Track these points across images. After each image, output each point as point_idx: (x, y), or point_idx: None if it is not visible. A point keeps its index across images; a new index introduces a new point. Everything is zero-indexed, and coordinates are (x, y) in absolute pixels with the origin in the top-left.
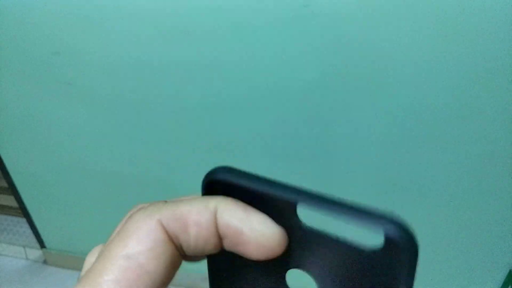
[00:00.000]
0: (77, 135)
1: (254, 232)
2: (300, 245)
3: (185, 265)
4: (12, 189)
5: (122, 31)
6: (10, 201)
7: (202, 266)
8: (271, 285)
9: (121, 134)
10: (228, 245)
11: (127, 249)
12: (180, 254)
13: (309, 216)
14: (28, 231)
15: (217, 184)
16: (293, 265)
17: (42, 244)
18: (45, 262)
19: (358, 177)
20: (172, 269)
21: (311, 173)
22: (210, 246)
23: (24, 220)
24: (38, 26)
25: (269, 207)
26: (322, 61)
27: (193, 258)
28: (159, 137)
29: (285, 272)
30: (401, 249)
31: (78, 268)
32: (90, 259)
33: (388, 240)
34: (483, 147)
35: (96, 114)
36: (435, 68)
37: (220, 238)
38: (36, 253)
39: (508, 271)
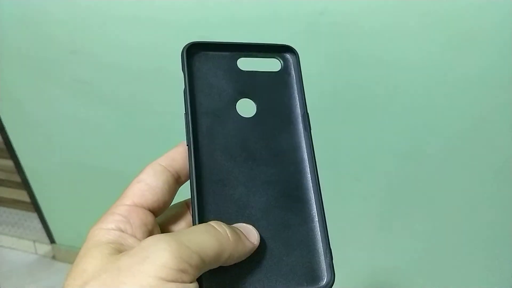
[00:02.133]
0: (91, 133)
1: None
2: (241, 82)
3: None
4: (25, 185)
5: (140, 32)
6: (22, 196)
7: None
8: (228, 115)
9: (135, 134)
10: None
11: (138, 178)
12: (175, 178)
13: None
14: (39, 226)
15: (194, 49)
16: (240, 96)
17: (51, 239)
18: (53, 257)
19: (366, 186)
20: (168, 186)
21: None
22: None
23: (35, 215)
24: (56, 25)
25: (221, 62)
26: (336, 69)
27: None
28: (174, 140)
29: (236, 104)
30: (293, 61)
31: None
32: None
33: (284, 60)
34: (495, 159)
35: (111, 113)
36: (450, 81)
37: None
38: (45, 248)
39: None
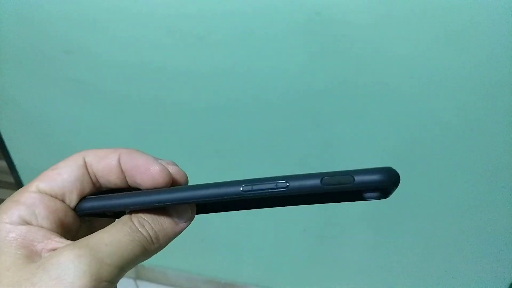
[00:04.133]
0: (86, 133)
1: (146, 165)
2: None
3: (189, 267)
4: (18, 185)
5: (135, 33)
6: None
7: (204, 269)
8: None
9: (130, 134)
10: (129, 180)
11: (57, 165)
12: (92, 180)
13: None
14: None
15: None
16: None
17: None
18: None
19: None
20: (80, 185)
21: None
22: (113, 176)
23: None
24: (50, 24)
25: None
26: (332, 68)
27: (104, 186)
28: (168, 139)
29: None
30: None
31: None
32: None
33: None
34: (490, 160)
35: (106, 113)
36: (446, 79)
37: (122, 173)
38: None
39: (510, 283)
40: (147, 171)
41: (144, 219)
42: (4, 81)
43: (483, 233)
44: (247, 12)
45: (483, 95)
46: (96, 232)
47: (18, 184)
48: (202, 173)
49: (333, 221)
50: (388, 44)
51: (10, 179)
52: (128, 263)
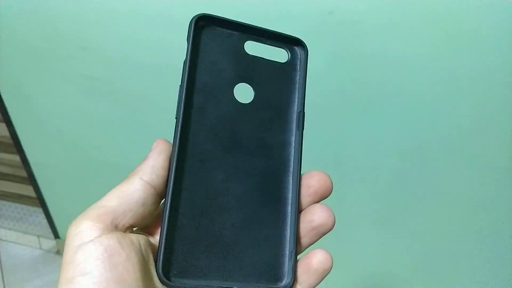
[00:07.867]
0: (99, 129)
1: None
2: (244, 66)
3: None
4: (31, 179)
5: (151, 29)
6: (28, 191)
7: None
8: (223, 96)
9: (144, 132)
10: None
11: (120, 189)
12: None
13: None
14: (44, 221)
15: (203, 21)
16: (240, 81)
17: (56, 235)
18: (58, 252)
19: (369, 185)
20: (151, 209)
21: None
22: None
23: (40, 210)
24: (65, 21)
25: (228, 41)
26: (342, 68)
27: None
28: None
29: (234, 87)
30: (301, 56)
31: None
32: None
33: (292, 53)
34: (497, 160)
35: (119, 109)
36: (457, 80)
37: None
38: (49, 243)
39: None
40: None
41: None
42: (18, 78)
43: (488, 234)
44: (259, 10)
45: (492, 94)
46: None
47: (30, 178)
48: None
49: (339, 219)
50: (399, 44)
51: (23, 173)
52: None
